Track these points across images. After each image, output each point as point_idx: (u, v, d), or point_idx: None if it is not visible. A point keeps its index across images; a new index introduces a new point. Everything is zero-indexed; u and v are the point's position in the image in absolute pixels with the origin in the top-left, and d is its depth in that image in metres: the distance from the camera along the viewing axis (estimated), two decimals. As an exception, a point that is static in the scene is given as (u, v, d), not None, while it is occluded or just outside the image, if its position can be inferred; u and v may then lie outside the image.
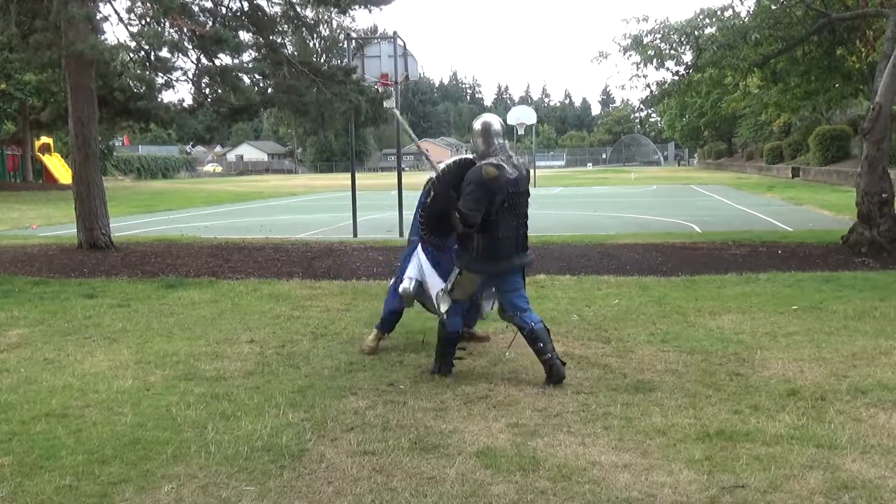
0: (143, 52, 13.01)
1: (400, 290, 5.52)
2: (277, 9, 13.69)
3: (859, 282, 8.26)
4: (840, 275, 8.74)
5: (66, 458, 3.74)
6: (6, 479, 3.51)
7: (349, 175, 16.05)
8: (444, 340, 5.13)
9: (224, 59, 13.05)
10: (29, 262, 11.11)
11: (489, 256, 4.96)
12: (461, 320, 5.20)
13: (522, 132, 41.75)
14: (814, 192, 25.31)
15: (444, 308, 5.09)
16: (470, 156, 5.09)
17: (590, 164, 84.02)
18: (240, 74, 13.47)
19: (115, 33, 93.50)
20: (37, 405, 4.57)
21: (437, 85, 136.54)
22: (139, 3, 12.94)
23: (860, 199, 10.71)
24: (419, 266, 5.45)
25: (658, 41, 13.33)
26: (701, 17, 13.57)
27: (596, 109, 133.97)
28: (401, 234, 14.00)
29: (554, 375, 4.85)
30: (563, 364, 4.93)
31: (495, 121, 5.12)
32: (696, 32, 13.17)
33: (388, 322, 5.86)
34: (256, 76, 14.04)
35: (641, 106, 79.73)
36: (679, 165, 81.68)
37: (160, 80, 13.55)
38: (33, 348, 6.05)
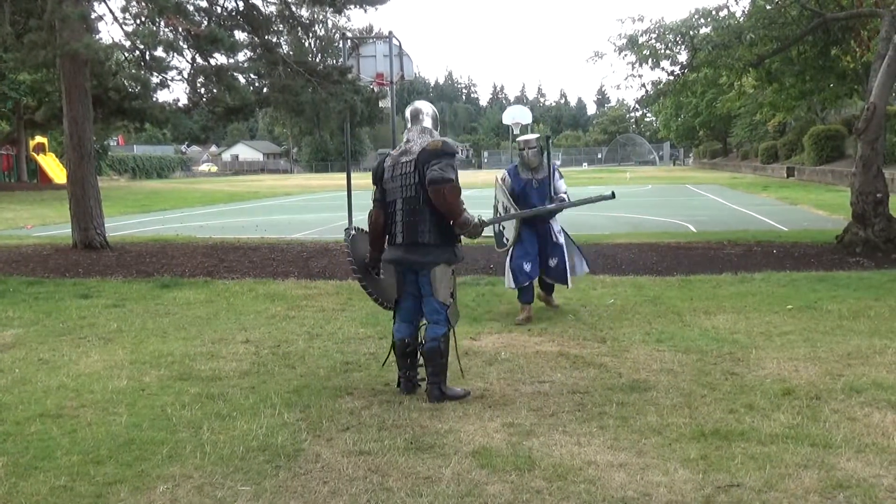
0: (137, 52, 13.00)
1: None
2: (273, 8, 13.70)
3: (854, 281, 8.29)
4: (835, 274, 8.76)
5: (60, 458, 3.73)
6: (1, 479, 3.50)
7: (345, 175, 16.03)
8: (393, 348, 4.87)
9: (219, 59, 13.05)
10: (24, 262, 11.08)
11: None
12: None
13: (518, 132, 41.74)
14: (808, 192, 25.34)
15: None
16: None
17: (585, 164, 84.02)
18: (235, 74, 13.47)
19: (109, 33, 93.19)
20: (31, 405, 4.56)
21: (432, 85, 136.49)
22: (134, 3, 12.95)
23: (855, 199, 10.75)
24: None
25: (653, 41, 13.36)
26: (696, 16, 13.61)
27: (591, 109, 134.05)
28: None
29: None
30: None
31: (409, 107, 4.91)
32: (691, 32, 13.20)
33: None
34: (252, 76, 14.04)
35: (637, 106, 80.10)
36: (674, 165, 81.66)
37: (155, 79, 13.55)
38: (28, 348, 6.03)
